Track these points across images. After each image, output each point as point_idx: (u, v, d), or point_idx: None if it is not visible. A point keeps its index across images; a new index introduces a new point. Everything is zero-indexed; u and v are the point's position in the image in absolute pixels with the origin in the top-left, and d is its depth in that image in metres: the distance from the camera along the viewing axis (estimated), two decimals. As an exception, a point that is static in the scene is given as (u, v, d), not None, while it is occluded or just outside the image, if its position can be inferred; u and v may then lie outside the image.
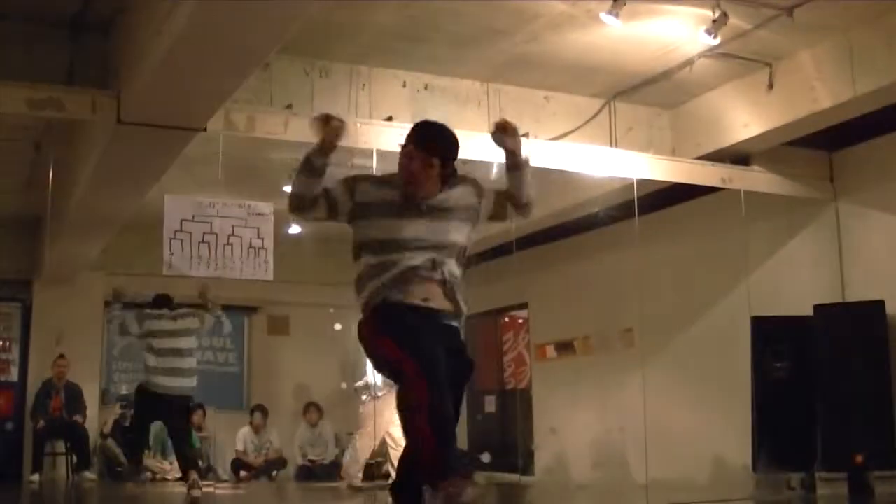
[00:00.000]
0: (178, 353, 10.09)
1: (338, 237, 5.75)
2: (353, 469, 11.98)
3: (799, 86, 9.14)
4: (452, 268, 4.89)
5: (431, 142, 4.89)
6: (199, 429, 14.20)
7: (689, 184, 10.37)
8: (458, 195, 4.95)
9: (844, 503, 8.95)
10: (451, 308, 4.87)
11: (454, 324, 4.93)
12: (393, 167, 4.91)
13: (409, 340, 4.63)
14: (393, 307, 4.77)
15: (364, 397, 11.87)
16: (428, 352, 4.58)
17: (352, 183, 4.91)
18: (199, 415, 14.28)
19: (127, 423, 13.02)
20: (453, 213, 4.92)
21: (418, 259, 4.80)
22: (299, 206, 4.93)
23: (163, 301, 10.44)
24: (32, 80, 7.92)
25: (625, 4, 7.89)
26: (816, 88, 8.98)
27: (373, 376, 11.24)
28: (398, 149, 4.93)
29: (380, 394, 11.27)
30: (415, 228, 4.83)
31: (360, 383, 11.97)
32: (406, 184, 4.85)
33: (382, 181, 4.99)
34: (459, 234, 4.95)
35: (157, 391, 9.98)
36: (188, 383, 10.18)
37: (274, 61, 8.63)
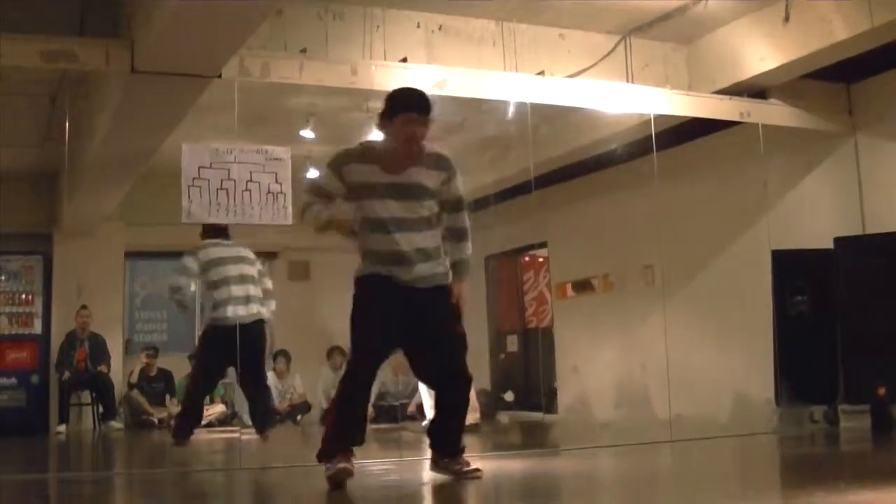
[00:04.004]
0: (244, 279, 9.46)
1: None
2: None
3: (815, 18, 9.03)
4: (426, 239, 5.45)
5: (427, 104, 5.37)
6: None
7: (707, 119, 10.31)
8: (424, 174, 5.42)
9: (867, 435, 8.96)
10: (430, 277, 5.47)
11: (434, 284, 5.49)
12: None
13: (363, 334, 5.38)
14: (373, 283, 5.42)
15: None
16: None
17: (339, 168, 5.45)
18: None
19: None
20: (421, 189, 5.42)
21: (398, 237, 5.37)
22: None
23: (216, 230, 9.57)
24: (45, 33, 7.90)
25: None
26: (833, 20, 8.87)
27: None
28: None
29: None
30: (392, 206, 5.37)
31: None
32: (410, 150, 5.33)
33: (364, 158, 5.43)
34: (428, 209, 5.48)
35: (231, 323, 9.23)
36: (259, 307, 9.57)
37: (287, 6, 8.61)
